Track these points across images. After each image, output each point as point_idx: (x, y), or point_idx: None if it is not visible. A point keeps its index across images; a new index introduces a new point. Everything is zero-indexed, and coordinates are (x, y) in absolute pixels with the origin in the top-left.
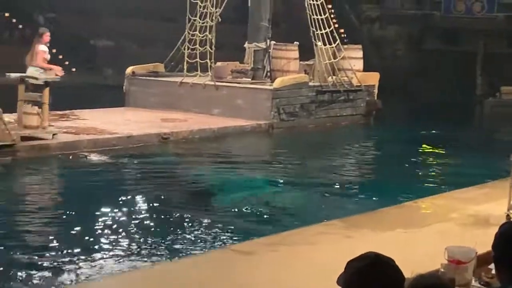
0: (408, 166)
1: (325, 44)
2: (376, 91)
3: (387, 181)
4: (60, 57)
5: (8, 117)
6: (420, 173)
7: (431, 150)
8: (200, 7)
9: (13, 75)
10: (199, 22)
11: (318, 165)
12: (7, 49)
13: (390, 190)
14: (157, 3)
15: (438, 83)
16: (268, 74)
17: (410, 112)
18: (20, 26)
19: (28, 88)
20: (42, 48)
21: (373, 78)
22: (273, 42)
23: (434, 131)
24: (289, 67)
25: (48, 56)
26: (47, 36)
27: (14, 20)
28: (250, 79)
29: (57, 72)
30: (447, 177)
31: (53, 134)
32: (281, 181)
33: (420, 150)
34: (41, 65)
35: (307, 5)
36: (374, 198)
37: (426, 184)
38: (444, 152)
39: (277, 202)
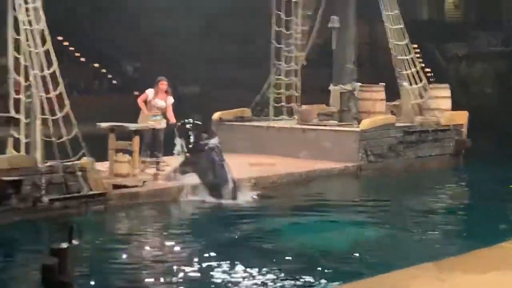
0: (500, 206)
1: (411, 84)
2: (465, 130)
3: (479, 222)
4: None
5: (100, 166)
6: None
7: None
8: (285, 52)
9: (103, 124)
10: (284, 67)
11: (407, 207)
12: (96, 99)
13: (483, 231)
14: (241, 49)
15: None
16: (355, 116)
17: (500, 151)
18: (109, 76)
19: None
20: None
21: (462, 117)
22: (358, 83)
23: None
24: (375, 108)
25: (158, 103)
26: (162, 85)
27: (103, 70)
28: (336, 122)
29: (171, 120)
30: None
31: (144, 182)
32: (371, 223)
33: None
34: (168, 115)
35: (392, 45)
36: (466, 240)
37: None
38: None
39: (368, 245)
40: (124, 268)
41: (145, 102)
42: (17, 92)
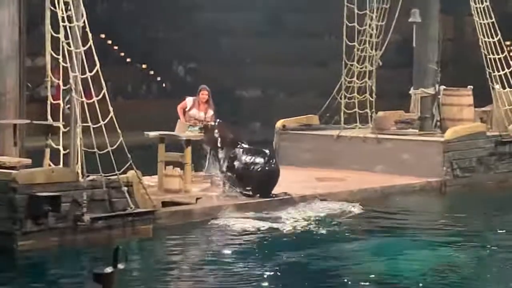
0: None
1: (504, 87)
2: None
3: None
4: None
5: (148, 180)
6: None
7: None
8: (357, 50)
9: (152, 133)
10: (357, 67)
11: (500, 228)
12: (144, 105)
13: None
14: (305, 47)
15: None
16: (438, 123)
17: None
18: (158, 79)
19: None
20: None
21: None
22: (442, 87)
23: None
24: (462, 115)
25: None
26: (202, 94)
27: (151, 72)
28: (417, 130)
29: None
30: None
31: (197, 198)
32: (459, 247)
33: None
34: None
35: (482, 43)
36: None
37: None
38: None
39: (453, 269)
40: None
41: (184, 111)
42: (55, 97)
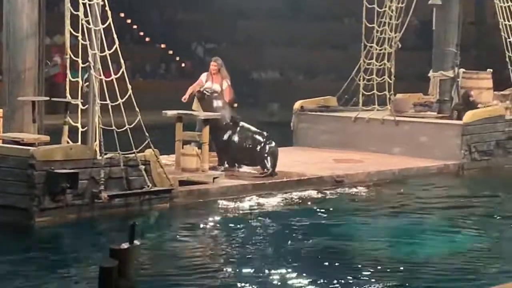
0: None
1: None
2: None
3: None
4: None
5: (165, 159)
6: None
7: None
8: (377, 32)
9: (170, 112)
10: (376, 49)
11: None
12: (163, 84)
13: None
14: (324, 30)
15: None
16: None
17: None
18: (177, 58)
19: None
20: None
21: None
22: (462, 70)
23: None
24: (481, 98)
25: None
26: (212, 66)
27: (170, 52)
28: (435, 113)
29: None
30: None
31: (214, 178)
32: (476, 231)
33: None
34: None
35: (502, 26)
36: None
37: None
38: None
39: (471, 253)
40: (190, 273)
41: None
42: (59, 76)
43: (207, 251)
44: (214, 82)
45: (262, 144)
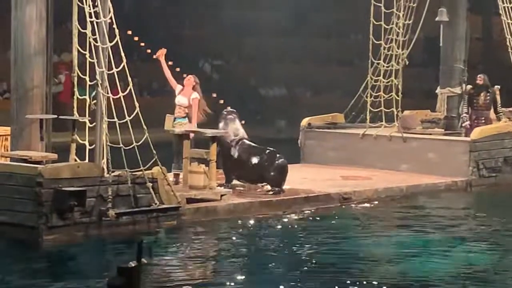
0: None
1: None
2: None
3: None
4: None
5: (172, 177)
6: None
7: None
8: (384, 49)
9: (177, 130)
10: (383, 66)
11: None
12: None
13: None
14: (331, 47)
15: None
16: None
17: None
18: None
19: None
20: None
21: None
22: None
23: None
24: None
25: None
26: (186, 80)
27: (177, 69)
28: (443, 130)
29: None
30: None
31: (222, 195)
32: (484, 247)
33: None
34: (190, 115)
35: (509, 42)
36: None
37: None
38: None
39: (479, 269)
40: None
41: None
42: (64, 93)
43: (214, 269)
44: (184, 95)
45: (270, 161)
